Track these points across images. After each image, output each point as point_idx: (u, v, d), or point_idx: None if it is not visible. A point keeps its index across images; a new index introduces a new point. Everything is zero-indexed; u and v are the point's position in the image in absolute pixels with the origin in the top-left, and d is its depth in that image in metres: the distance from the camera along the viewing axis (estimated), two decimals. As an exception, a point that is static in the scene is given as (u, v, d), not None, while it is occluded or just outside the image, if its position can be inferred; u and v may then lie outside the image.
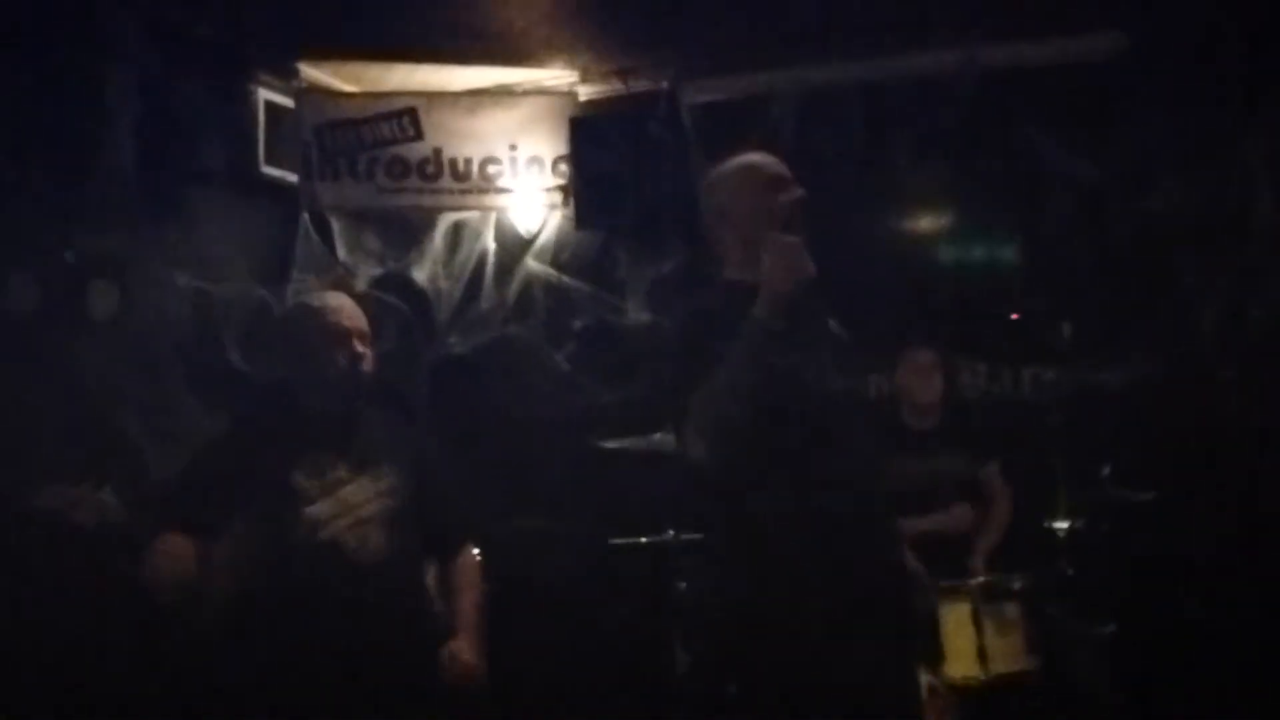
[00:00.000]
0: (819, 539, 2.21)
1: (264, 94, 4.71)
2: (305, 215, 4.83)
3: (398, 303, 4.92)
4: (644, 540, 3.67)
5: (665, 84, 4.70)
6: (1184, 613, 3.70)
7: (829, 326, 2.46)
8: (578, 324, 4.86)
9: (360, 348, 2.78)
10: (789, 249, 2.13)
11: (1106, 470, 3.61)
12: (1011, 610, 3.42)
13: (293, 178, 4.81)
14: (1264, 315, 4.05)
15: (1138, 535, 3.61)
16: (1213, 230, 4.17)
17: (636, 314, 4.82)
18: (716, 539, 2.47)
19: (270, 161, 4.76)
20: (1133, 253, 4.29)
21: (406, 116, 4.78)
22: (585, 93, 4.85)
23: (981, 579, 3.51)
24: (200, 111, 4.44)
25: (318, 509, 2.63)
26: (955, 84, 4.42)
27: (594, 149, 4.65)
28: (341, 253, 4.93)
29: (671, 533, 3.63)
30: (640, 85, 4.75)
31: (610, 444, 3.75)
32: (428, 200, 4.84)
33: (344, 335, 2.77)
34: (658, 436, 3.69)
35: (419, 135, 4.79)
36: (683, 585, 3.60)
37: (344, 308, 2.84)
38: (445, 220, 4.97)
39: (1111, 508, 3.52)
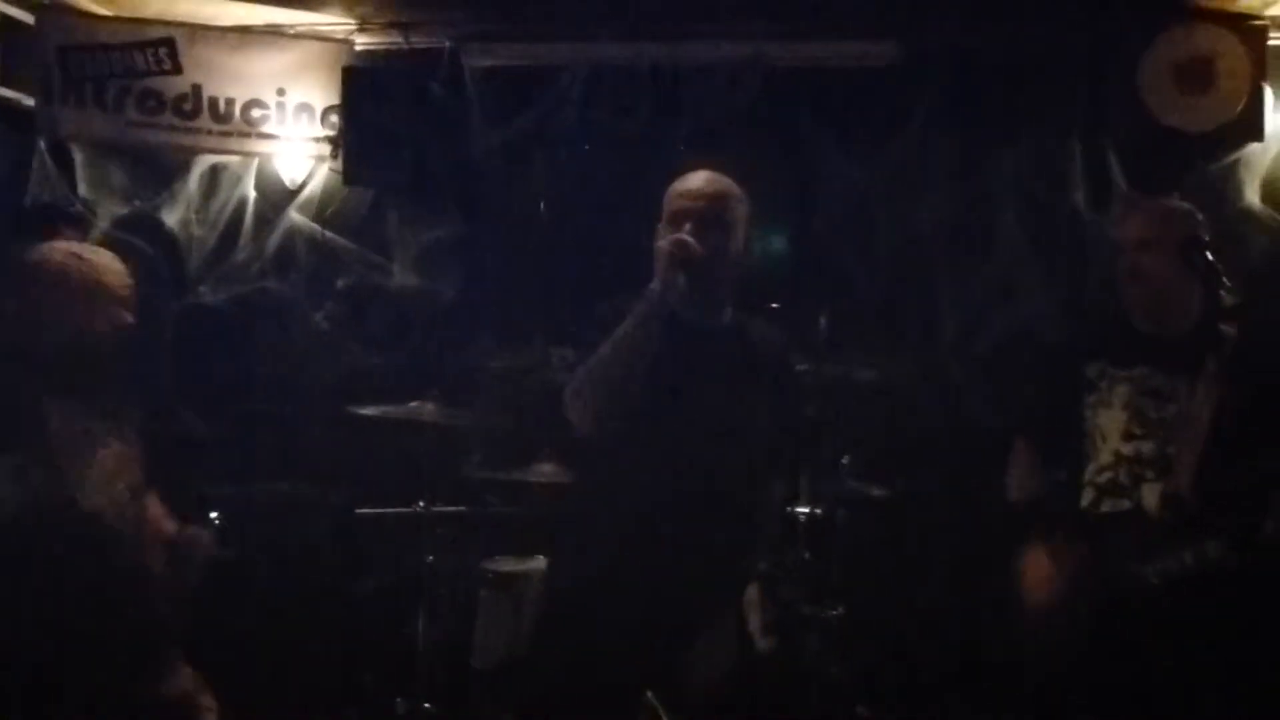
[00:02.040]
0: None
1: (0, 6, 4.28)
2: (41, 143, 4.43)
3: (143, 245, 4.58)
4: (393, 511, 3.56)
5: (448, 43, 4.56)
6: (910, 599, 3.91)
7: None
8: (340, 283, 4.67)
9: (127, 316, 2.54)
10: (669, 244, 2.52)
11: (846, 461, 3.76)
12: (752, 592, 3.50)
13: (29, 101, 4.40)
14: (1001, 324, 4.31)
15: (871, 525, 3.78)
16: (963, 242, 4.41)
17: (404, 277, 4.67)
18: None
19: (3, 82, 4.34)
20: (893, 257, 4.47)
21: (164, 47, 4.45)
22: (362, 42, 4.65)
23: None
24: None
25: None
26: (741, 76, 4.48)
27: (368, 102, 4.45)
28: (82, 188, 4.56)
29: (421, 504, 3.53)
30: (422, 42, 4.59)
31: (367, 411, 3.60)
32: (183, 139, 4.53)
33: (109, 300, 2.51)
34: (414, 405, 3.58)
35: (177, 69, 4.47)
36: (430, 558, 3.51)
37: (109, 268, 2.57)
38: (202, 163, 4.66)
39: (848, 498, 3.67)
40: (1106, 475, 2.74)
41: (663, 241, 2.52)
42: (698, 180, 2.62)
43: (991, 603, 3.61)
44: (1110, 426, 2.75)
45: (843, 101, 4.51)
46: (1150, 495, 2.66)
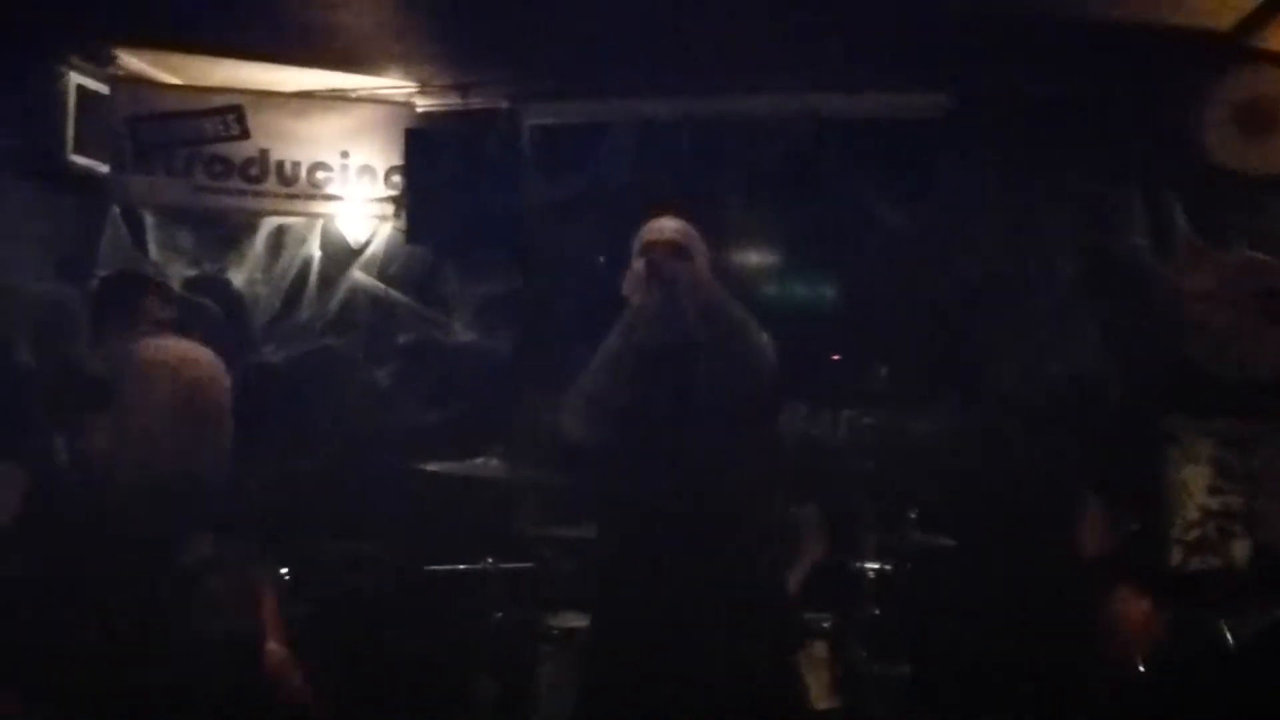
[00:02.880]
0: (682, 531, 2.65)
1: (75, 78, 4.42)
2: (115, 209, 4.56)
3: (210, 304, 4.69)
4: (461, 568, 3.59)
5: (505, 103, 4.65)
6: (979, 656, 3.85)
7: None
8: (401, 340, 4.74)
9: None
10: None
11: (913, 514, 3.73)
12: (820, 649, 3.48)
13: (103, 168, 4.54)
14: (1058, 374, 4.27)
15: (938, 579, 3.74)
16: (1017, 290, 4.38)
17: (463, 333, 4.73)
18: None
19: (79, 150, 4.47)
20: (944, 305, 4.46)
21: (231, 114, 4.57)
22: (422, 105, 4.75)
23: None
24: (2, 92, 4.14)
25: None
26: (789, 128, 4.53)
27: (429, 162, 4.55)
28: (153, 251, 4.68)
29: (490, 560, 3.55)
30: (479, 102, 4.69)
31: (430, 466, 3.64)
32: (250, 203, 4.64)
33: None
34: (479, 461, 3.61)
35: (244, 134, 4.59)
36: (499, 615, 3.53)
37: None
38: (268, 225, 4.78)
39: (915, 552, 3.64)
40: (1194, 532, 2.67)
41: (636, 264, 2.84)
42: (664, 220, 2.99)
43: (1064, 659, 3.57)
44: (1194, 481, 2.69)
45: (893, 152, 4.54)
46: (1240, 551, 2.61)
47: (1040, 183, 4.34)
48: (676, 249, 2.89)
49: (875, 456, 3.81)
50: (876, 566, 3.52)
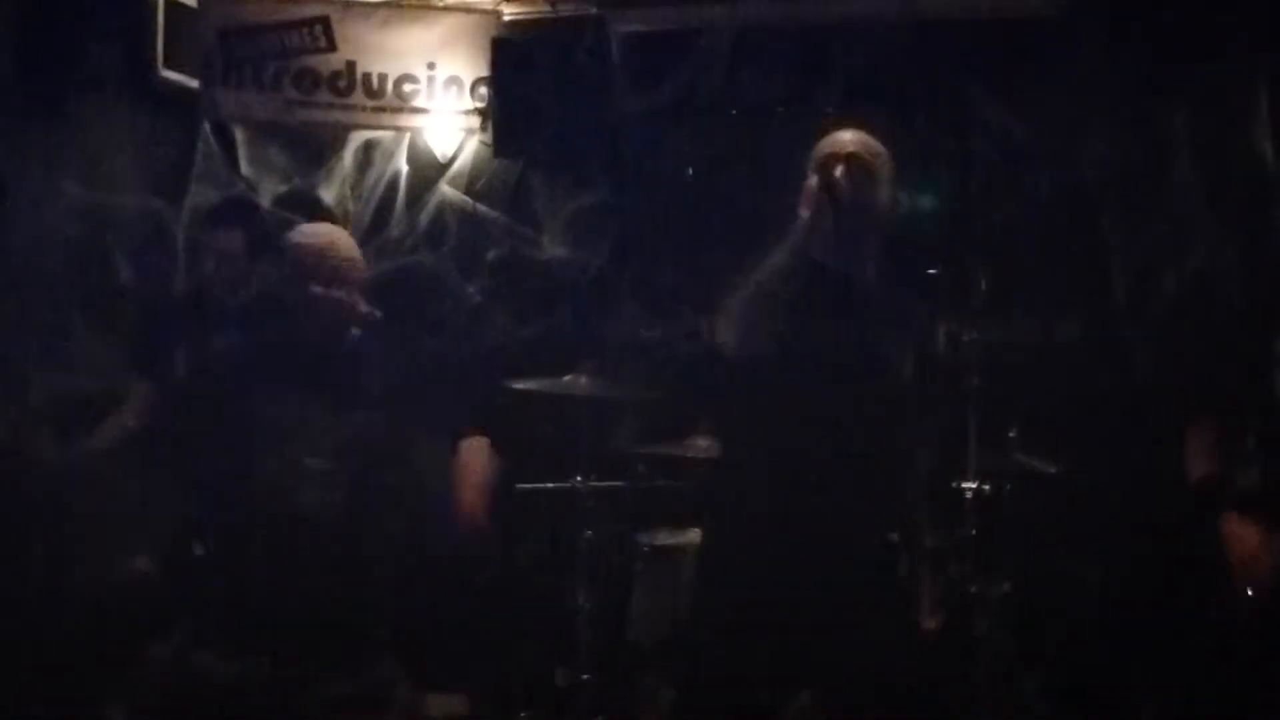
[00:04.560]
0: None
1: (164, -8, 4.42)
2: (206, 125, 4.58)
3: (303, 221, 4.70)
4: (550, 486, 3.57)
5: (594, 10, 4.52)
6: (1081, 577, 3.75)
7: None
8: (491, 255, 4.70)
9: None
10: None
11: (1013, 434, 3.60)
12: (923, 569, 3.40)
13: (193, 84, 4.55)
14: (1177, 282, 4.06)
15: (1040, 500, 3.63)
16: (1132, 193, 4.17)
17: (553, 248, 4.68)
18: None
19: (170, 65, 4.49)
20: (1055, 211, 4.27)
21: (319, 25, 4.53)
22: (509, 13, 4.65)
23: (895, 536, 3.49)
24: (91, 8, 4.15)
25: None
26: (890, 31, 4.33)
27: (516, 73, 4.46)
28: (244, 167, 4.70)
29: (579, 479, 3.53)
30: (568, 9, 4.57)
31: (520, 385, 3.62)
32: (339, 116, 4.62)
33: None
34: (567, 379, 3.58)
35: (331, 46, 4.55)
36: (589, 533, 3.52)
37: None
38: (356, 139, 4.75)
39: (1016, 472, 3.52)
40: None
41: (812, 180, 2.64)
42: (848, 134, 2.77)
43: (1167, 580, 3.45)
44: None
45: (1001, 53, 4.31)
46: None
47: (1159, 82, 4.09)
48: (863, 171, 2.69)
49: (977, 372, 3.66)
50: (974, 486, 3.42)
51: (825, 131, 2.80)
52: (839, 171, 2.61)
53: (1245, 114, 4.01)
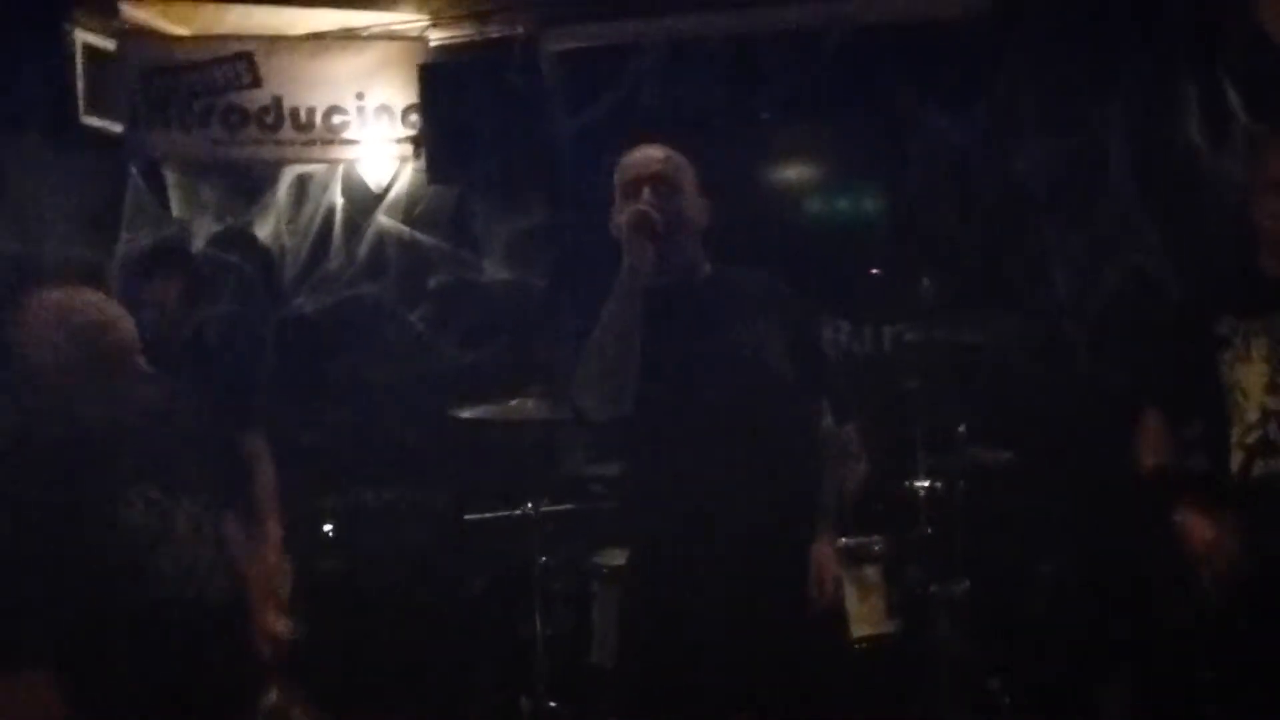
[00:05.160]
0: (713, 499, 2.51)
1: (81, 36, 4.34)
2: (133, 168, 4.50)
3: (239, 261, 4.64)
4: (501, 514, 3.53)
5: (522, 30, 4.49)
6: (1037, 570, 3.76)
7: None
8: (433, 282, 4.65)
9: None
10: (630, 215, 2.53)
11: (963, 429, 3.61)
12: (872, 573, 3.40)
13: (118, 127, 4.46)
14: (1116, 275, 4.10)
15: (993, 495, 3.63)
16: (1070, 192, 4.20)
17: (495, 271, 4.64)
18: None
19: (92, 110, 4.40)
20: (994, 212, 4.29)
21: (243, 61, 4.46)
22: (437, 38, 4.60)
23: (842, 542, 3.48)
24: (6, 55, 4.06)
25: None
26: (823, 38, 4.33)
27: (446, 98, 4.42)
28: (176, 208, 4.62)
29: (530, 505, 3.49)
30: (496, 31, 4.53)
31: (466, 412, 3.57)
32: (269, 152, 4.55)
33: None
34: (514, 403, 3.54)
35: (256, 82, 4.48)
36: (543, 558, 3.48)
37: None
38: (289, 173, 4.69)
39: (968, 468, 3.52)
40: (1255, 434, 2.56)
41: (624, 215, 2.55)
42: (643, 152, 2.69)
43: (1122, 572, 3.46)
44: (1251, 382, 2.56)
45: (931, 55, 4.32)
46: None
47: (1090, 79, 4.12)
48: (668, 184, 2.61)
49: (921, 372, 3.67)
50: (927, 485, 3.41)
51: (626, 150, 2.71)
52: (646, 195, 2.54)
53: (1177, 110, 4.05)
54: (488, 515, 3.55)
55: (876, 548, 3.45)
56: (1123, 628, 3.57)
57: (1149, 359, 2.96)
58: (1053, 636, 3.70)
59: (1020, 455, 3.65)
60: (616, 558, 3.64)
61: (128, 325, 2.41)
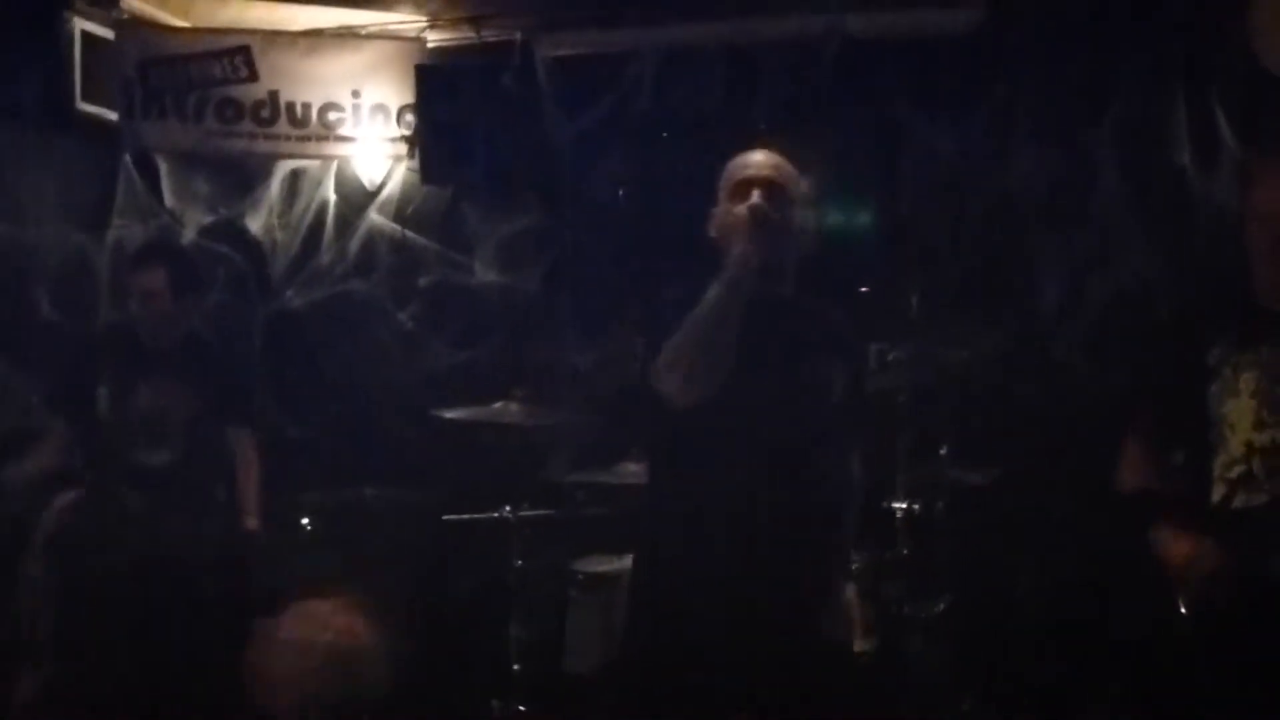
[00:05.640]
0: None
1: (80, 23, 4.34)
2: (127, 157, 4.50)
3: (229, 252, 4.64)
4: (479, 517, 3.53)
5: (519, 35, 4.49)
6: (1016, 592, 3.76)
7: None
8: (422, 282, 4.65)
9: None
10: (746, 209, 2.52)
11: (944, 450, 3.61)
12: (849, 592, 3.38)
13: (112, 115, 4.46)
14: (1104, 296, 4.10)
15: (973, 515, 3.63)
16: (1059, 209, 4.20)
17: (485, 273, 4.64)
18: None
19: (87, 98, 4.40)
20: (985, 226, 4.29)
21: (239, 55, 4.46)
22: (434, 39, 4.61)
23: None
24: (5, 41, 4.06)
25: None
26: (818, 50, 4.34)
27: (442, 99, 4.42)
28: (168, 198, 4.62)
29: (508, 509, 3.49)
30: (493, 34, 4.53)
31: (450, 414, 3.57)
32: (262, 146, 4.55)
33: None
34: (497, 405, 3.54)
35: (253, 76, 4.48)
36: (519, 562, 3.48)
37: None
38: (283, 168, 4.69)
39: (948, 488, 3.52)
40: (1238, 469, 2.53)
41: (740, 207, 2.52)
42: (759, 155, 2.65)
43: (1100, 594, 3.46)
44: (1239, 416, 2.53)
45: (925, 70, 4.33)
46: None
47: (1080, 96, 4.13)
48: (779, 192, 2.58)
49: (906, 390, 3.67)
50: (905, 506, 3.42)
51: (737, 153, 2.67)
52: (757, 196, 2.51)
53: (1168, 131, 4.06)
54: (465, 517, 3.53)
55: (854, 566, 3.44)
56: (1100, 649, 3.57)
57: (1135, 382, 2.96)
58: (1029, 658, 3.70)
59: (1002, 475, 3.64)
60: (595, 564, 3.66)
61: None
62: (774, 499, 2.51)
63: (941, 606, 3.42)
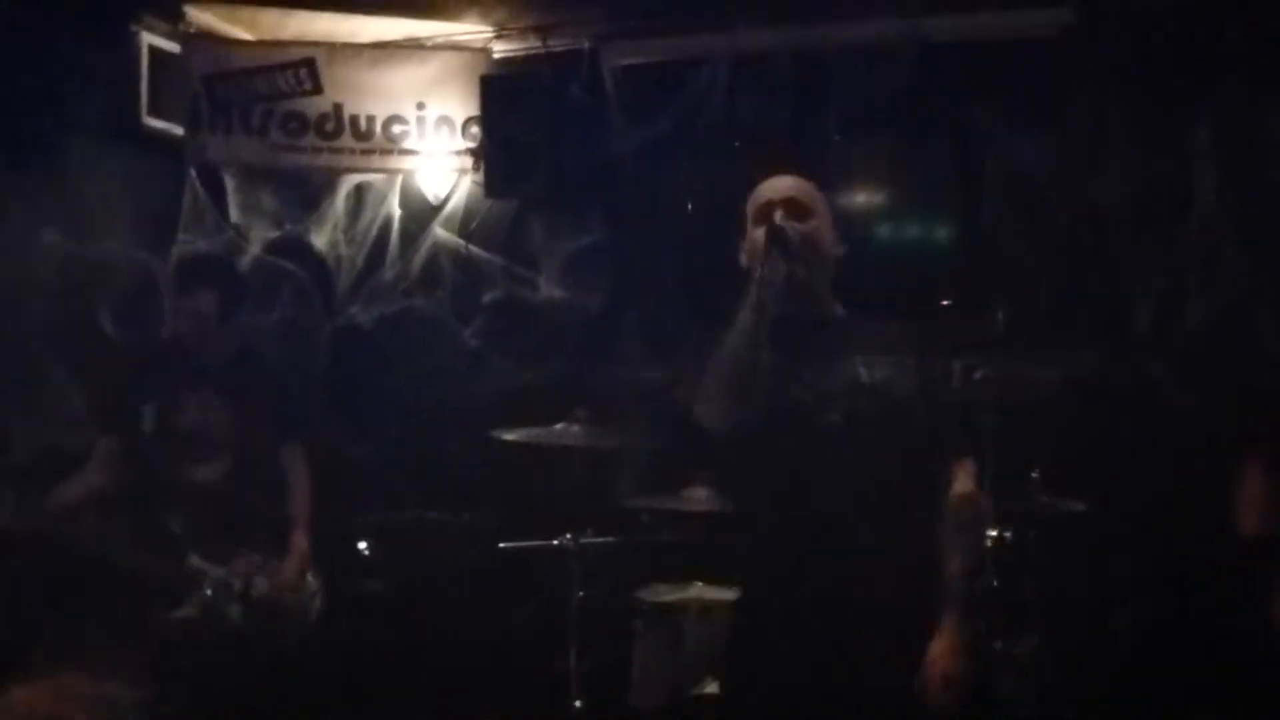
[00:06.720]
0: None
1: (147, 38, 4.34)
2: (193, 171, 4.47)
3: (294, 268, 4.58)
4: (536, 544, 3.38)
5: (586, 44, 4.40)
6: (1112, 628, 3.52)
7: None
8: (486, 298, 4.55)
9: None
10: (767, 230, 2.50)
11: (1036, 474, 3.39)
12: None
13: (179, 130, 4.45)
14: (1202, 311, 3.86)
15: (1067, 545, 3.41)
16: (1154, 220, 3.97)
17: (550, 289, 4.52)
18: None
19: (154, 112, 4.39)
20: (1072, 240, 4.08)
21: (304, 68, 4.42)
22: (500, 50, 4.53)
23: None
24: (74, 55, 4.06)
25: None
26: (895, 56, 4.16)
27: (508, 111, 4.33)
28: (233, 213, 4.59)
29: (568, 537, 3.34)
30: (559, 44, 4.44)
31: (510, 435, 3.44)
32: (326, 160, 4.50)
33: None
34: (559, 428, 3.40)
35: (318, 89, 4.44)
36: (580, 593, 3.33)
37: None
38: (347, 182, 4.64)
39: (1040, 516, 3.30)
40: None
41: (759, 231, 2.52)
42: (781, 180, 2.66)
43: (1207, 636, 3.22)
44: None
45: (1008, 74, 4.13)
46: None
47: (1177, 101, 3.90)
48: (799, 209, 2.56)
49: (994, 410, 3.46)
50: (995, 534, 3.21)
51: (760, 178, 2.67)
52: (779, 217, 2.49)
53: (1269, 136, 3.82)
54: (522, 544, 3.39)
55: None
56: (1201, 690, 3.32)
57: (1244, 404, 2.74)
58: (1125, 699, 3.45)
59: (1097, 504, 3.41)
60: (662, 593, 3.49)
61: None
62: (852, 517, 2.41)
63: (1033, 643, 3.20)
